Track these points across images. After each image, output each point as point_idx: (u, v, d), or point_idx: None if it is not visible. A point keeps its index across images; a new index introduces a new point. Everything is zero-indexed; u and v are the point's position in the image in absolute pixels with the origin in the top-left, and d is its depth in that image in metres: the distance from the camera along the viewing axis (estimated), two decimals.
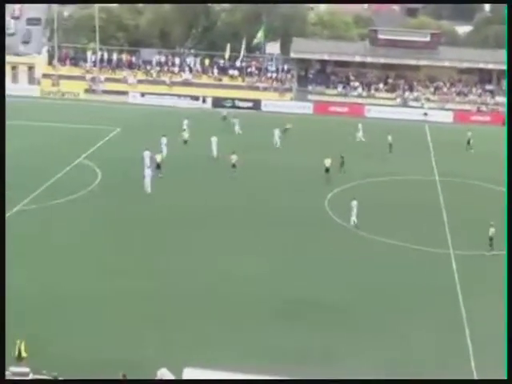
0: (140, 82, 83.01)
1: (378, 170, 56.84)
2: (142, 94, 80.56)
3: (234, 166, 54.16)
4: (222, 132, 63.52)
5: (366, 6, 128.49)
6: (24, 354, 25.72)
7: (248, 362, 27.71)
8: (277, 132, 63.14)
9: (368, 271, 38.90)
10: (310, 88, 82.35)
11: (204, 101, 78.82)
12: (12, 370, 23.74)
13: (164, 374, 24.39)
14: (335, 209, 47.56)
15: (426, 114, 78.23)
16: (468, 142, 64.58)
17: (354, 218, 44.77)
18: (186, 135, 61.56)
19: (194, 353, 29.27)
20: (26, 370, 23.90)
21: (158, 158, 53.35)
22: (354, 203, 44.82)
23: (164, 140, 57.96)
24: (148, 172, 50.31)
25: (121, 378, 24.09)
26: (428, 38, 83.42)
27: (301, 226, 45.01)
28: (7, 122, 66.35)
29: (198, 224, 44.87)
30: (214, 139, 58.82)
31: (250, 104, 79.52)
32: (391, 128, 66.09)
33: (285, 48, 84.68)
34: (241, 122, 67.63)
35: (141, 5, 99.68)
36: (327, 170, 54.02)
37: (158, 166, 52.86)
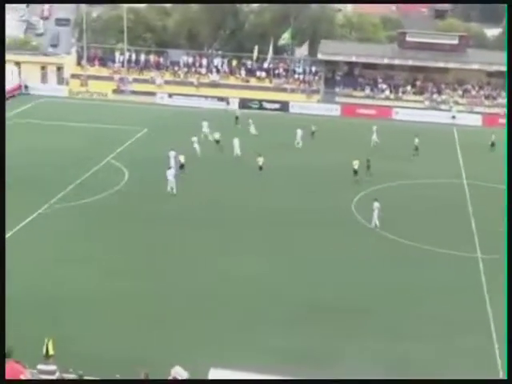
0: (167, 82, 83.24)
1: (405, 173, 56.62)
2: (170, 95, 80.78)
3: (260, 168, 54.23)
4: (237, 133, 63.47)
5: (393, 7, 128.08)
6: (51, 352, 25.83)
7: (265, 364, 27.67)
8: (299, 132, 63.03)
9: (392, 273, 38.86)
10: (337, 90, 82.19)
11: (228, 103, 78.65)
12: (39, 368, 23.78)
13: (178, 371, 24.31)
14: (362, 211, 47.39)
15: (454, 117, 77.78)
16: (492, 145, 64.31)
17: (375, 219, 44.74)
18: (216, 135, 61.58)
19: (212, 353, 29.37)
20: (53, 368, 23.94)
21: (182, 158, 53.49)
22: (376, 205, 44.77)
23: (195, 139, 58.69)
24: (171, 172, 50.51)
25: (143, 377, 24.11)
26: (456, 41, 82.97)
27: (326, 227, 44.96)
28: (36, 122, 67.80)
29: (223, 224, 44.99)
30: (236, 140, 59.09)
31: (277, 106, 79.51)
32: (419, 131, 65.73)
33: (313, 50, 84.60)
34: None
35: (169, 6, 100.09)
36: (355, 171, 53.89)
37: (182, 166, 53.03)
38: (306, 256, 40.66)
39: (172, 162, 52.59)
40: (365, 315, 34.14)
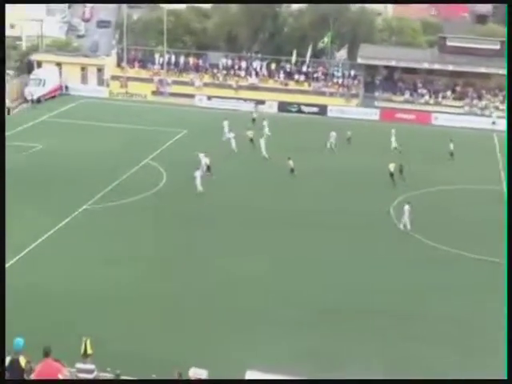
0: (206, 85, 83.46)
1: (444, 178, 56.20)
2: (209, 97, 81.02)
3: (292, 170, 54.27)
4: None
5: (433, 11, 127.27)
6: (89, 351, 26.03)
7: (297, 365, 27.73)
8: (333, 135, 62.70)
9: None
10: (376, 94, 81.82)
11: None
12: (78, 367, 23.96)
13: (197, 372, 24.28)
14: (400, 215, 47.18)
15: (494, 123, 77.00)
16: None
17: (404, 222, 44.82)
18: (250, 133, 61.91)
19: (247, 355, 29.40)
20: (92, 366, 24.10)
21: (207, 160, 53.84)
22: (407, 207, 44.83)
23: (232, 134, 60.63)
24: (198, 173, 50.90)
25: (176, 377, 24.17)
26: (498, 46, 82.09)
27: (361, 230, 45.00)
28: (76, 122, 68.36)
29: (258, 226, 45.11)
30: (262, 140, 59.64)
31: (315, 109, 79.37)
32: (454, 136, 65.22)
33: (352, 53, 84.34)
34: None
35: (208, 8, 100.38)
36: (391, 174, 53.78)
37: (209, 169, 53.36)
38: (335, 258, 40.77)
39: (203, 164, 53.40)
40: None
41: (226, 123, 64.35)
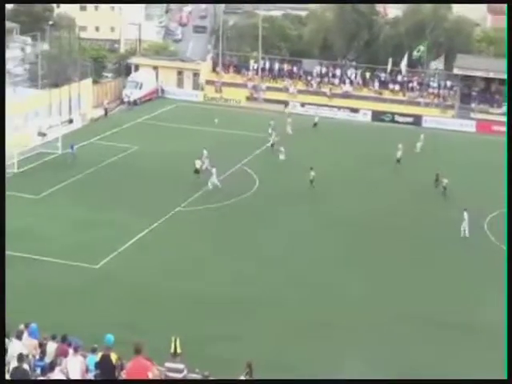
0: (300, 92, 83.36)
1: None
2: (302, 104, 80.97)
3: (311, 181, 53.55)
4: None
5: None
6: (179, 351, 26.26)
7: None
8: (400, 147, 61.62)
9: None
10: (473, 106, 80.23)
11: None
12: (167, 366, 24.14)
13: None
14: (495, 229, 46.25)
15: None
16: None
17: (464, 228, 45.00)
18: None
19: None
20: (181, 366, 24.25)
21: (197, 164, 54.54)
22: (466, 215, 45.10)
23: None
24: (214, 170, 52.11)
25: (246, 369, 24.36)
26: None
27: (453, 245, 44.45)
28: (172, 125, 69.26)
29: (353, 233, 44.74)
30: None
31: (409, 119, 78.36)
32: None
33: (448, 64, 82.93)
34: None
35: (304, 15, 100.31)
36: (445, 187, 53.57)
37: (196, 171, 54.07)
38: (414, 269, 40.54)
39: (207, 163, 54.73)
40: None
41: (272, 123, 65.90)
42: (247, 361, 25.04)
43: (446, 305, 36.96)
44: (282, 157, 59.48)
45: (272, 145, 62.68)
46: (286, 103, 79.62)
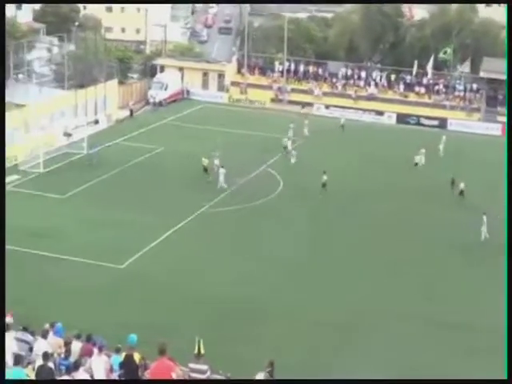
0: (325, 94, 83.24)
1: None
2: (327, 106, 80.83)
3: (324, 185, 53.09)
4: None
5: None
6: (202, 352, 26.26)
7: None
8: (423, 151, 61.37)
9: None
10: (499, 109, 79.74)
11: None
12: (191, 367, 24.14)
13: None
14: None
15: None
16: None
17: (484, 232, 44.88)
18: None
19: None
20: (205, 367, 24.23)
21: (205, 162, 55.05)
22: (485, 218, 45.00)
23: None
24: (222, 170, 52.24)
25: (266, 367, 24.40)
26: None
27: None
28: (196, 126, 69.40)
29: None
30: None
31: (435, 122, 77.95)
32: None
33: (475, 67, 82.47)
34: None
35: (330, 17, 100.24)
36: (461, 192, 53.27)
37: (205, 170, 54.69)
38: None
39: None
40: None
41: (291, 125, 65.98)
42: (270, 359, 25.06)
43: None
44: (293, 160, 59.14)
45: (285, 147, 62.44)
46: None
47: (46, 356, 18.27)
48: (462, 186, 53.52)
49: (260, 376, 23.94)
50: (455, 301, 37.62)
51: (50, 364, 18.45)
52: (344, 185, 54.34)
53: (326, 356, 31.48)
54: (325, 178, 52.98)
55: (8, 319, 21.98)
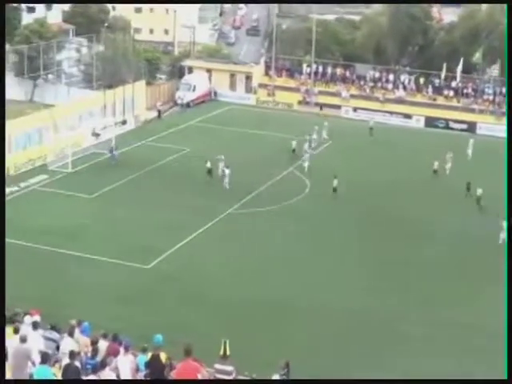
0: (353, 96, 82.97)
1: None
2: (354, 109, 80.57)
3: (334, 190, 52.74)
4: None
5: None
6: (228, 353, 26.21)
7: None
8: (449, 156, 60.64)
9: None
10: None
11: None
12: (216, 367, 24.14)
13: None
14: None
15: None
16: None
17: (502, 237, 43.98)
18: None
19: None
20: (231, 368, 24.21)
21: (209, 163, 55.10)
22: (503, 224, 43.42)
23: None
24: (227, 171, 52.33)
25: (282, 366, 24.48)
26: None
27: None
28: (224, 128, 69.52)
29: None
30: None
31: (463, 126, 77.43)
32: None
33: (504, 70, 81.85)
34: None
35: (358, 19, 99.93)
36: (478, 200, 51.65)
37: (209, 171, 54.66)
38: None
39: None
40: None
41: (316, 128, 66.21)
42: (285, 360, 25.07)
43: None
44: (305, 164, 58.36)
45: (293, 150, 62.07)
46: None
47: (73, 355, 18.34)
48: (479, 192, 51.54)
49: (276, 377, 23.99)
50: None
51: (77, 363, 18.52)
52: (367, 188, 54.25)
53: (351, 358, 31.40)
54: (335, 182, 52.64)
55: (36, 317, 22.11)
